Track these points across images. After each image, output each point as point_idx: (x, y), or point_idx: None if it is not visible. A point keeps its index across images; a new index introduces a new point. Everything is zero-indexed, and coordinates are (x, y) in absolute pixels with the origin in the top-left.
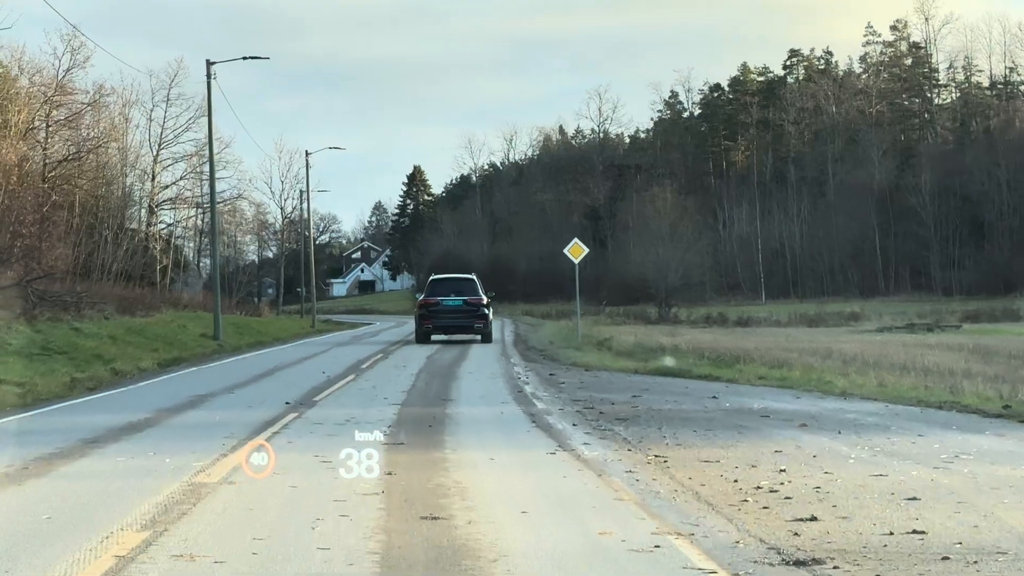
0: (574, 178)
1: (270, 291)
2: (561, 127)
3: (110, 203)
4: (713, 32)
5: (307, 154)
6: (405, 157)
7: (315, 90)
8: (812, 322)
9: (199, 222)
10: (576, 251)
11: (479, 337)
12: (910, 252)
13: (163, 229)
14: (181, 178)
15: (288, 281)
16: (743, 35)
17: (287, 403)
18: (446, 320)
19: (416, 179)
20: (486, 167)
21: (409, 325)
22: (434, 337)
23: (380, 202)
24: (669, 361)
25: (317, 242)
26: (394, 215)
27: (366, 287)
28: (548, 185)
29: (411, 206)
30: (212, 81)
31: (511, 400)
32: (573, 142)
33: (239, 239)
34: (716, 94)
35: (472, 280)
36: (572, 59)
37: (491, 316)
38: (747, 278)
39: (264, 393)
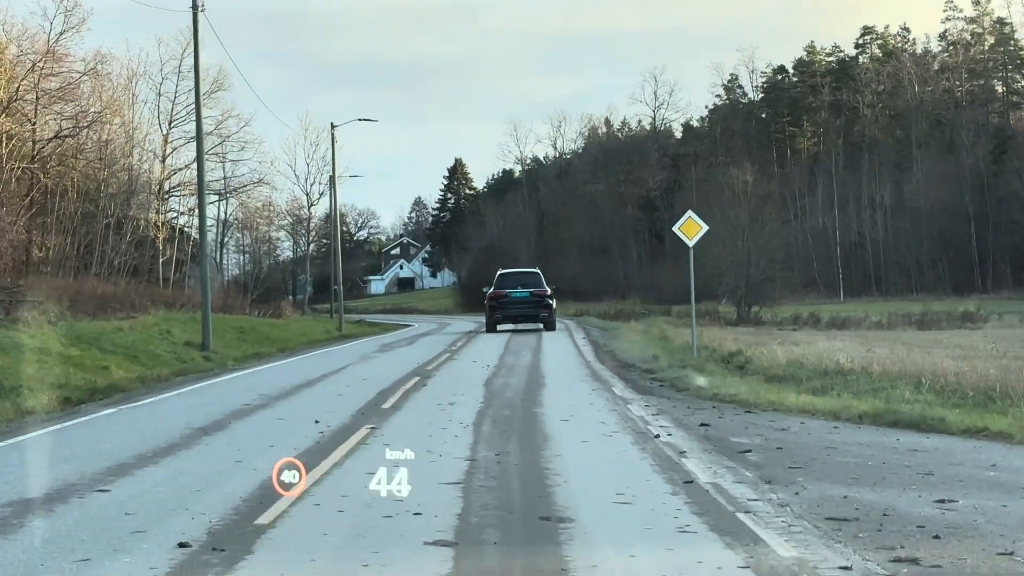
0: (626, 167)
1: (309, 289)
2: (607, 119)
3: (112, 188)
4: (779, 9)
5: (332, 127)
6: (446, 153)
7: (353, 87)
8: (921, 323)
9: (219, 210)
10: (691, 228)
11: (542, 325)
12: (1012, 244)
13: (174, 218)
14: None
15: (323, 278)
16: (811, 11)
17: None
18: (514, 310)
19: (457, 172)
20: (530, 161)
21: (452, 327)
22: (494, 342)
23: (420, 198)
24: (889, 403)
25: (355, 238)
26: (434, 210)
27: (405, 284)
28: (598, 175)
29: (452, 200)
30: (200, 14)
31: (684, 509)
32: (619, 134)
33: (272, 234)
34: (780, 77)
35: (537, 273)
36: (625, 43)
37: (555, 306)
38: (823, 273)
39: (142, 502)
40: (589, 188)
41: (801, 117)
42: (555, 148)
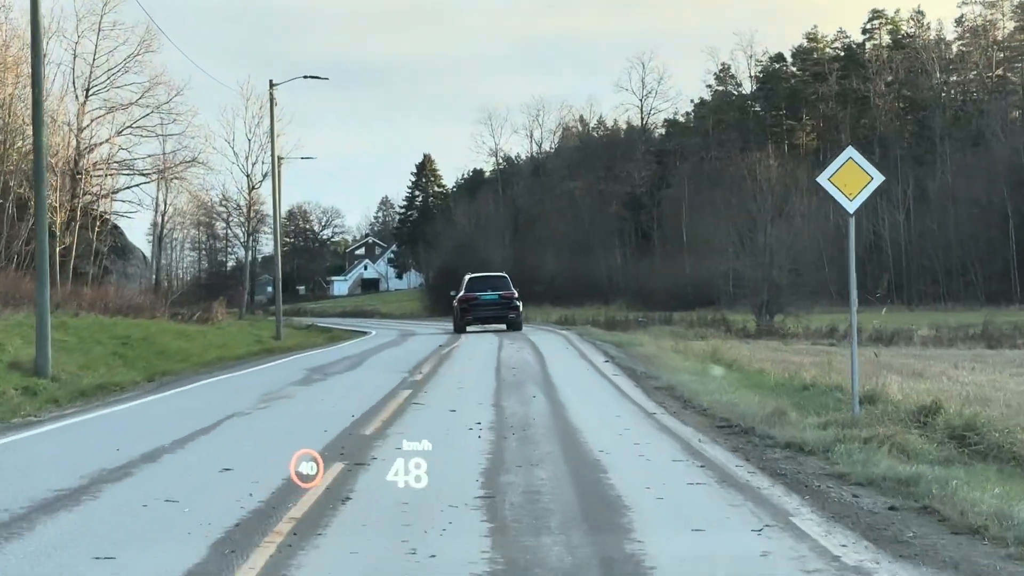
0: (607, 163)
1: (269, 290)
2: (582, 117)
3: (11, 163)
4: None
5: (271, 85)
6: (415, 152)
7: (320, 86)
8: (988, 339)
9: (150, 194)
10: (851, 179)
11: (505, 327)
12: None
13: (92, 202)
14: (119, 133)
15: (286, 278)
16: None
17: None
18: (484, 312)
19: (426, 168)
20: (503, 159)
21: (416, 338)
22: (475, 366)
23: (387, 197)
24: None
25: (320, 237)
26: (401, 208)
27: (369, 286)
28: (577, 172)
29: (420, 198)
30: None
31: None
32: (595, 133)
33: (233, 230)
34: (778, 65)
35: (505, 277)
36: (608, 40)
37: (521, 308)
38: (835, 279)
39: None
40: (567, 185)
41: (800, 109)
42: (532, 140)
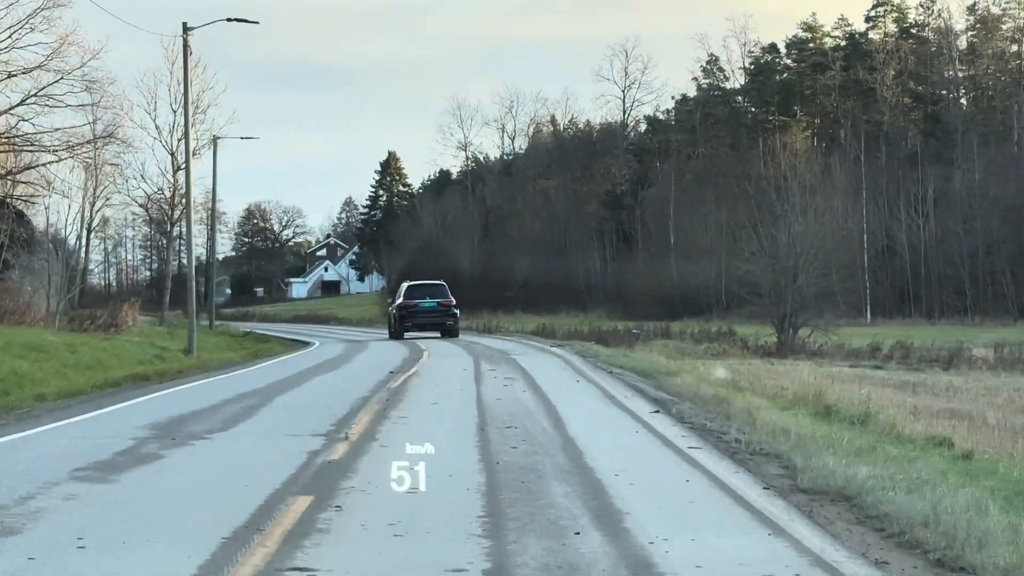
0: (583, 161)
1: (229, 291)
2: (553, 117)
3: None
4: None
5: (185, 30)
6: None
7: (284, 88)
8: None
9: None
10: None
11: (439, 334)
12: None
13: None
14: (22, 103)
15: (240, 279)
16: None
17: None
18: (423, 319)
19: (391, 167)
20: (472, 155)
21: (366, 354)
22: (452, 415)
23: (351, 197)
24: None
25: (280, 237)
26: (364, 207)
27: (330, 288)
28: (551, 169)
29: (384, 197)
30: None
31: None
32: (568, 132)
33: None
34: (772, 57)
35: (443, 285)
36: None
37: (458, 315)
38: (844, 288)
39: None
40: (541, 184)
41: (794, 104)
42: (504, 133)
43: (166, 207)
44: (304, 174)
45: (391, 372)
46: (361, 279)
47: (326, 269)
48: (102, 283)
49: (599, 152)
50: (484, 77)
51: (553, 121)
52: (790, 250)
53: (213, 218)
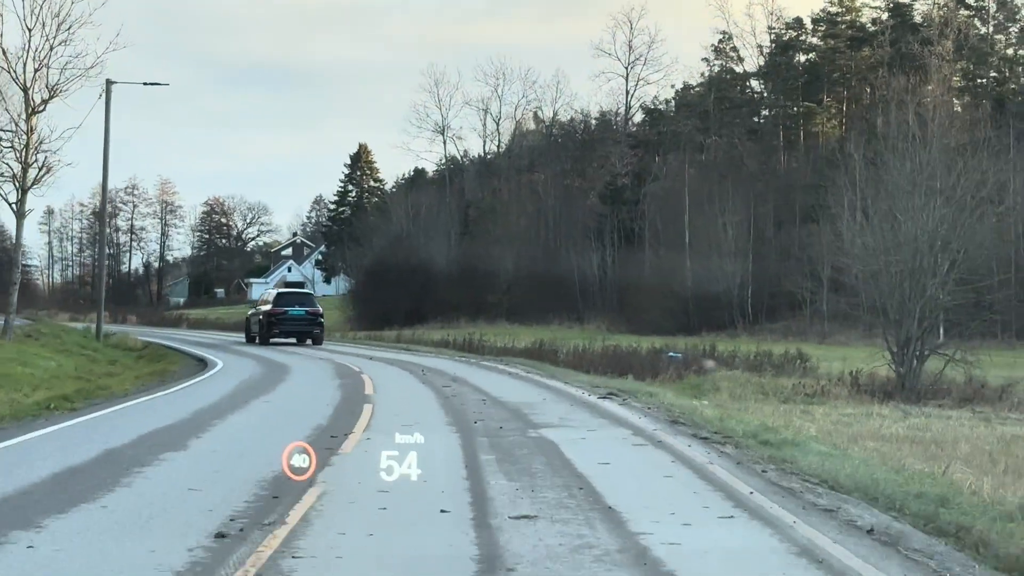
0: (581, 150)
1: (179, 295)
2: (537, 112)
3: None
4: None
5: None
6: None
7: (251, 89)
8: None
9: None
10: None
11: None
12: None
13: None
14: None
15: (200, 279)
16: None
17: None
18: (291, 327)
19: (361, 160)
20: (451, 139)
21: (283, 390)
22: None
23: (321, 196)
24: None
25: (243, 235)
26: (332, 204)
27: None
28: (544, 158)
29: (354, 193)
30: None
31: None
32: (553, 129)
33: (137, 222)
34: (795, 34)
35: (311, 294)
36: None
37: (324, 324)
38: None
39: None
40: (529, 176)
41: (821, 87)
42: (488, 115)
43: (16, 165)
44: (272, 173)
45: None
46: (327, 281)
47: (289, 270)
48: (42, 281)
49: (597, 139)
50: (465, 53)
51: (536, 117)
52: (915, 242)
53: (103, 201)
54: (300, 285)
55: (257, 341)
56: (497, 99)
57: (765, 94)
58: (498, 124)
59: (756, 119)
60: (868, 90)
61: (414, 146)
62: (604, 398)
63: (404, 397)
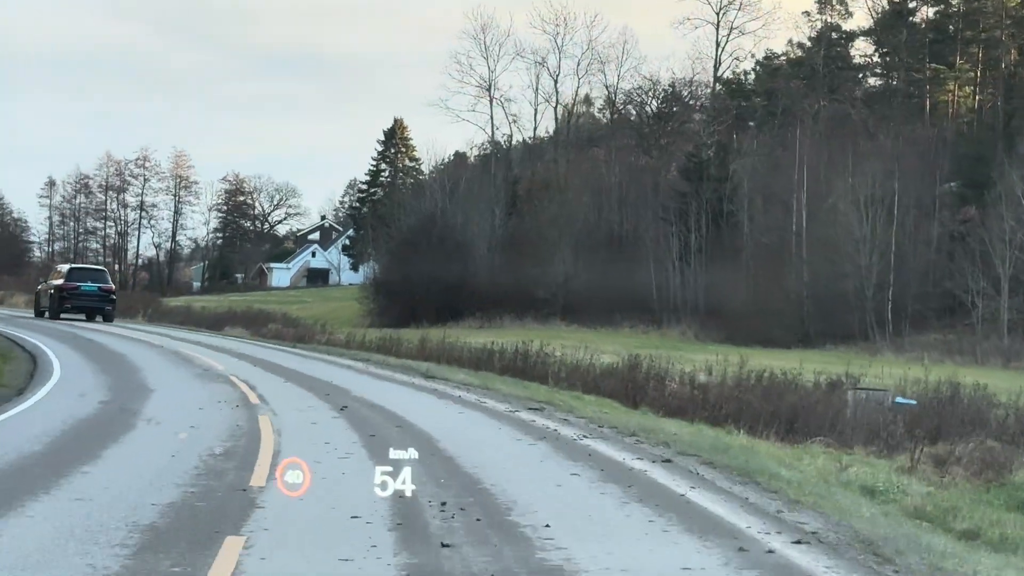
0: (656, 119)
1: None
2: (587, 96)
3: None
4: None
5: None
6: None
7: (280, 76)
8: None
9: None
10: None
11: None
12: None
13: None
14: None
15: (217, 264)
16: None
17: None
18: (83, 302)
19: (396, 136)
20: (498, 100)
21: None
22: None
23: (355, 179)
24: None
25: (270, 218)
26: (363, 184)
27: (316, 277)
28: (609, 129)
29: (387, 172)
30: None
31: None
32: (602, 114)
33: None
34: None
35: (104, 271)
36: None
37: (116, 301)
38: None
39: None
40: (591, 150)
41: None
42: (546, 70)
43: None
44: (302, 157)
45: None
46: (355, 268)
47: (313, 255)
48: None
49: (676, 104)
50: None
51: (587, 100)
52: None
53: None
54: (323, 274)
55: (47, 316)
56: (556, 51)
57: (876, 56)
58: (556, 82)
59: (869, 85)
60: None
61: (453, 104)
62: None
63: None
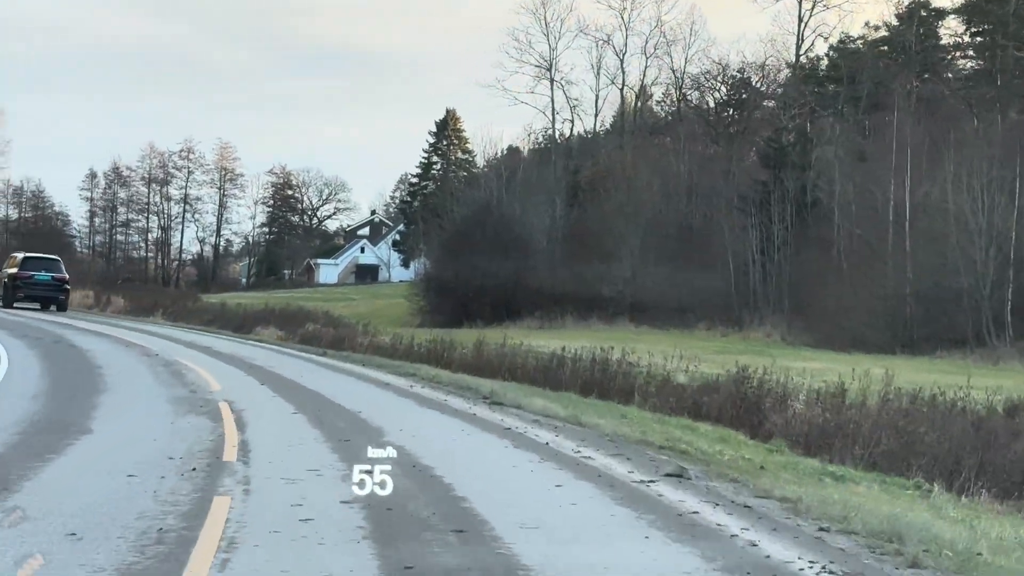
0: (727, 102)
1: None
2: (644, 87)
3: None
4: None
5: None
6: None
7: (329, 71)
8: None
9: None
10: None
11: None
12: None
13: None
14: None
15: (265, 259)
16: None
17: None
18: (37, 291)
19: (448, 128)
20: (559, 83)
21: None
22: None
23: (406, 174)
24: None
25: (319, 213)
26: (414, 178)
27: (365, 274)
28: (678, 114)
29: (439, 165)
30: None
31: None
32: (659, 109)
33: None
34: None
35: (58, 260)
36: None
37: (70, 290)
38: None
39: None
40: (657, 137)
41: None
42: (611, 47)
43: None
44: (351, 152)
45: None
46: (405, 264)
47: (362, 250)
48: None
49: (746, 91)
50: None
51: (644, 92)
52: None
53: None
54: (372, 270)
55: (0, 304)
56: (622, 28)
57: (967, 36)
58: (622, 62)
59: (959, 67)
60: None
61: (510, 84)
62: None
63: None
